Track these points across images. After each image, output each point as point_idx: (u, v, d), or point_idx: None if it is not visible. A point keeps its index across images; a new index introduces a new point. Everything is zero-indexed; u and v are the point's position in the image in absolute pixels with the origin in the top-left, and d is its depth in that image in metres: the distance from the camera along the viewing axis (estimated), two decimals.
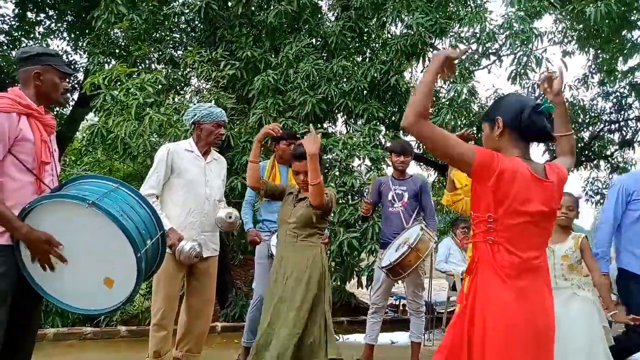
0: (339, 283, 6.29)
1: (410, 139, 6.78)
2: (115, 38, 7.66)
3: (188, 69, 6.84)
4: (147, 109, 5.69)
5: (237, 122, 6.46)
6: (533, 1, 7.24)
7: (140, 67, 7.00)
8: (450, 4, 7.74)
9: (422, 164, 10.67)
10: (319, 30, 7.45)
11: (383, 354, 4.81)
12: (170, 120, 5.67)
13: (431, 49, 7.96)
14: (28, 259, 2.32)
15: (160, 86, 6.21)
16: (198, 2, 6.85)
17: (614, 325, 4.05)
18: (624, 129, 10.57)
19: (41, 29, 10.71)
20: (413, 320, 4.48)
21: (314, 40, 7.51)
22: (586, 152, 10.76)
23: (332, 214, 4.81)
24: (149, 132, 5.63)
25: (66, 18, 10.56)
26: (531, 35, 7.08)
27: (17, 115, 2.32)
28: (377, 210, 4.62)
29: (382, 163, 6.32)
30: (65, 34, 10.77)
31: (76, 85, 10.01)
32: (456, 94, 6.65)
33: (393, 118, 7.51)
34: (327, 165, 5.98)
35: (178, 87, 7.39)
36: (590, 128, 10.71)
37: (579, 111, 9.96)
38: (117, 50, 7.63)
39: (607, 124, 10.71)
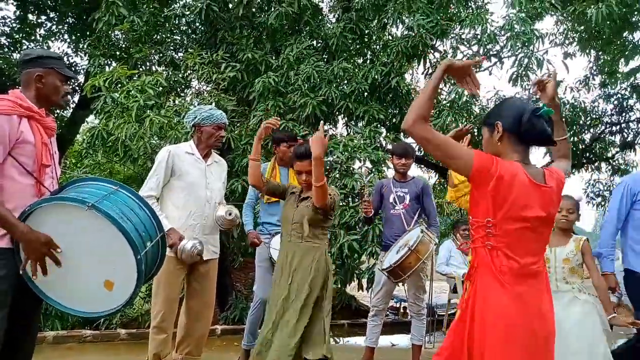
0: (339, 286, 6.27)
1: (411, 141, 6.78)
2: (116, 40, 7.67)
3: (189, 71, 6.85)
4: (148, 111, 5.69)
5: (238, 125, 6.46)
6: (534, 3, 7.23)
7: (140, 69, 7.01)
8: (451, 5, 7.74)
9: (422, 166, 10.67)
10: (320, 32, 7.45)
11: (383, 356, 4.80)
12: (170, 123, 5.67)
13: (432, 51, 7.97)
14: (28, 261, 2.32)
15: (160, 88, 6.21)
16: (199, 4, 6.86)
17: (615, 329, 4.03)
18: (625, 130, 10.56)
19: (42, 31, 10.74)
20: (414, 323, 4.47)
21: (314, 42, 7.52)
22: (587, 154, 10.75)
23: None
24: (150, 134, 5.63)
25: (67, 20, 10.58)
26: (532, 37, 7.08)
27: (18, 118, 2.31)
28: (380, 212, 4.61)
29: (382, 165, 6.32)
30: (66, 36, 10.80)
31: (77, 88, 10.01)
32: (457, 96, 6.66)
33: (394, 120, 7.51)
34: (327, 167, 5.98)
35: (179, 90, 7.40)
36: (592, 130, 10.70)
37: (580, 113, 9.93)
38: (117, 53, 7.64)
39: (608, 126, 10.70)
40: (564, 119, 8.61)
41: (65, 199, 2.29)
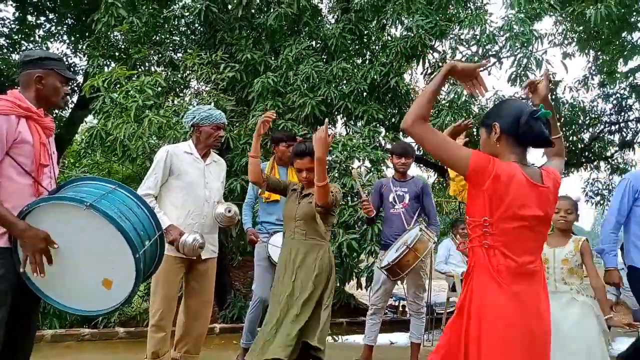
0: (338, 284, 6.29)
1: (410, 140, 6.79)
2: (115, 41, 7.68)
3: (188, 72, 6.87)
4: (147, 111, 5.70)
5: (237, 124, 6.47)
6: (533, 3, 7.24)
7: (139, 70, 7.02)
8: (450, 6, 7.75)
9: (422, 165, 10.69)
10: (319, 32, 7.46)
11: (382, 354, 4.80)
12: (169, 123, 5.68)
13: (431, 51, 7.98)
14: (26, 260, 2.32)
15: (159, 89, 6.22)
16: (198, 5, 6.87)
17: (613, 329, 4.04)
18: (624, 130, 10.57)
19: (41, 32, 10.75)
20: (413, 321, 4.48)
21: (313, 43, 7.53)
22: (586, 153, 10.76)
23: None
24: (148, 134, 5.64)
25: (66, 21, 10.59)
26: (531, 37, 7.08)
27: (16, 118, 2.32)
28: (380, 211, 4.62)
29: (381, 164, 6.33)
30: (65, 37, 10.81)
31: (76, 88, 10.03)
32: (456, 96, 6.67)
33: (393, 120, 7.52)
34: (327, 167, 5.98)
35: (177, 90, 7.41)
36: (591, 129, 10.71)
37: (579, 112, 9.94)
38: (116, 53, 7.65)
39: (607, 125, 10.71)
40: (563, 119, 8.59)
41: (64, 198, 2.30)
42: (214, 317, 5.97)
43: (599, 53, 10.17)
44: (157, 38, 7.62)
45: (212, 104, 5.99)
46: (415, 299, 4.43)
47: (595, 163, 10.96)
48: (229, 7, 7.46)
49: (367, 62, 7.85)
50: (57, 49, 11.13)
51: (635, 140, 10.48)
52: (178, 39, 8.04)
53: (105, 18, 6.89)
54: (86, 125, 8.92)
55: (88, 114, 9.66)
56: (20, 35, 10.42)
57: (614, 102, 10.45)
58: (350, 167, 6.19)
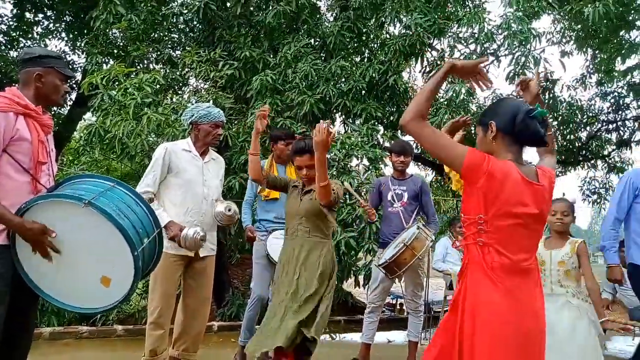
0: (336, 282, 6.29)
1: (409, 138, 6.79)
2: (114, 38, 7.66)
3: (186, 69, 6.86)
4: (145, 108, 5.69)
5: (236, 122, 6.46)
6: (531, 1, 7.25)
7: (138, 67, 7.01)
8: (449, 4, 7.75)
9: (420, 163, 10.69)
10: (318, 30, 7.46)
11: (380, 353, 4.81)
12: (168, 120, 5.67)
13: (429, 49, 7.98)
14: (24, 258, 2.33)
15: (158, 86, 6.22)
16: (197, 3, 6.86)
17: (608, 332, 4.05)
18: (622, 129, 10.57)
19: (39, 29, 10.70)
20: (411, 320, 4.49)
21: (312, 41, 7.52)
22: (583, 151, 10.77)
23: None
24: (147, 132, 5.63)
25: (64, 18, 10.55)
26: (529, 36, 7.09)
27: (15, 115, 2.32)
28: (379, 209, 4.63)
29: (380, 163, 6.33)
30: (63, 34, 10.76)
31: (74, 85, 10.01)
32: (454, 94, 6.67)
33: (391, 118, 7.52)
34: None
35: (176, 87, 7.40)
36: (588, 128, 10.72)
37: (577, 111, 9.97)
38: (115, 51, 7.64)
39: (604, 124, 10.72)
40: (560, 117, 8.59)
41: (62, 195, 2.30)
42: (212, 315, 5.99)
43: (596, 51, 10.17)
44: (156, 35, 7.60)
45: (211, 101, 5.99)
46: (413, 297, 4.45)
47: (592, 162, 10.96)
48: (228, 4, 7.44)
49: (365, 60, 7.85)
50: (56, 46, 11.18)
51: (632, 139, 10.49)
52: (177, 36, 8.03)
53: (104, 15, 6.88)
54: (85, 123, 8.92)
55: (86, 111, 9.65)
56: (18, 33, 10.37)
57: (612, 100, 10.46)
58: (349, 166, 6.19)
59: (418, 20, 6.74)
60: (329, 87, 6.59)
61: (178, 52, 7.59)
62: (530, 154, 2.17)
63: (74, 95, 10.35)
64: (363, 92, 6.98)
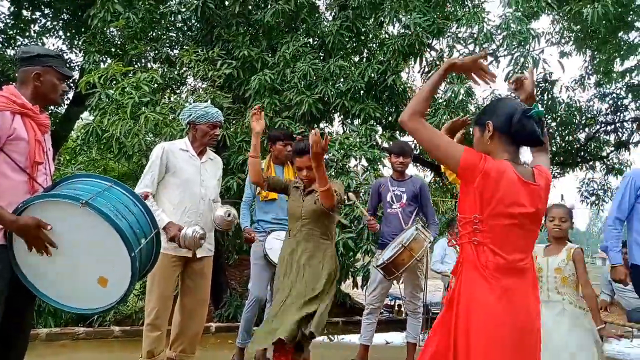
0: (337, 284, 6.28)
1: (408, 139, 6.78)
2: (111, 37, 7.64)
3: (184, 68, 6.83)
4: (143, 108, 5.67)
5: (234, 122, 6.44)
6: (530, 2, 7.25)
7: (136, 66, 6.98)
8: (448, 4, 7.74)
9: (418, 164, 10.69)
10: (316, 29, 7.43)
11: (378, 354, 4.80)
12: (165, 120, 5.65)
13: (428, 49, 7.97)
14: (22, 258, 2.31)
15: (156, 85, 6.19)
16: (195, 1, 6.83)
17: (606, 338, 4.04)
18: (620, 130, 10.57)
19: (37, 28, 10.65)
20: (410, 321, 4.48)
21: (311, 40, 7.51)
22: (582, 153, 10.78)
23: None
24: (144, 131, 5.60)
25: (62, 16, 10.51)
26: (528, 36, 7.09)
27: (11, 114, 2.31)
28: (380, 208, 4.62)
29: (378, 163, 6.32)
30: (60, 33, 10.72)
31: (71, 84, 9.97)
32: (453, 95, 6.66)
33: (390, 118, 7.51)
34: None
35: (174, 86, 7.38)
36: (587, 129, 10.72)
37: (575, 112, 9.97)
38: (113, 49, 7.61)
39: (603, 125, 10.72)
40: (559, 118, 8.58)
41: (59, 195, 2.28)
42: (210, 316, 5.96)
43: (595, 52, 10.18)
44: (154, 34, 7.58)
45: (209, 101, 5.97)
46: (412, 298, 4.44)
47: (590, 163, 10.97)
48: (226, 3, 7.42)
49: (364, 60, 7.84)
50: (53, 44, 11.08)
51: (630, 141, 10.50)
52: (174, 35, 7.99)
53: (101, 13, 6.85)
54: (82, 122, 8.87)
55: (84, 110, 9.61)
56: (15, 31, 10.32)
57: (610, 102, 10.46)
58: (347, 166, 6.17)
59: (417, 20, 6.73)
60: (328, 87, 6.57)
61: (176, 51, 7.57)
62: (523, 152, 2.17)
63: (71, 94, 10.31)
64: (362, 92, 6.96)
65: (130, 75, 6.15)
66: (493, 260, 1.94)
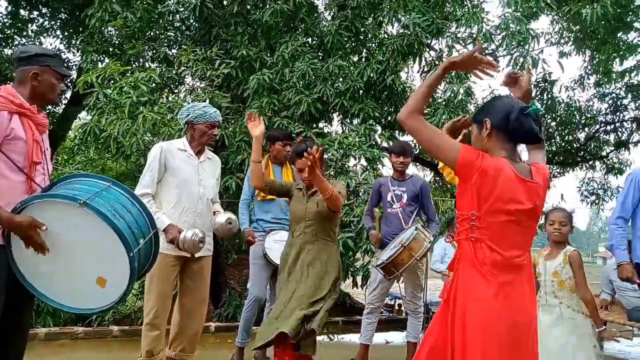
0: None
1: (408, 139, 6.77)
2: (109, 36, 7.62)
3: (182, 68, 6.82)
4: (141, 107, 5.65)
5: (232, 122, 6.43)
6: (530, 2, 7.24)
7: (134, 66, 6.96)
8: (447, 4, 7.73)
9: (418, 164, 10.68)
10: (315, 29, 7.42)
11: (378, 353, 4.79)
12: (164, 119, 5.64)
13: (427, 49, 7.96)
14: (20, 258, 2.30)
15: (154, 85, 6.18)
16: (193, 1, 6.82)
17: (607, 329, 4.03)
18: (620, 130, 10.56)
19: (34, 27, 10.62)
20: (410, 321, 4.47)
21: (309, 40, 7.50)
22: (582, 152, 10.78)
23: None
24: (143, 131, 5.59)
25: (60, 16, 10.49)
26: (527, 36, 7.08)
27: (9, 114, 2.30)
28: (380, 207, 4.61)
29: (378, 163, 6.31)
30: (58, 32, 10.69)
31: (69, 84, 9.94)
32: (452, 94, 6.66)
33: (389, 118, 7.50)
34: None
35: (172, 86, 7.37)
36: (586, 129, 10.72)
37: (575, 112, 9.97)
38: (110, 49, 7.59)
39: (602, 125, 10.71)
40: (558, 118, 8.56)
41: (56, 195, 2.27)
42: (209, 315, 5.95)
43: (594, 52, 10.18)
44: (152, 34, 7.56)
45: (207, 100, 5.95)
46: (412, 298, 4.43)
47: (590, 163, 10.98)
48: (224, 2, 7.41)
49: (363, 59, 7.83)
50: (51, 44, 11.01)
51: (630, 140, 10.50)
52: (173, 34, 7.98)
53: (99, 13, 6.83)
54: (80, 122, 8.85)
55: (82, 110, 9.58)
56: (12, 30, 10.29)
57: (610, 101, 10.46)
58: (347, 166, 6.16)
59: (416, 19, 6.72)
60: (327, 87, 6.55)
61: (174, 51, 7.55)
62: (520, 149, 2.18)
63: (69, 94, 10.29)
64: (361, 91, 6.95)
65: (128, 74, 6.14)
66: (490, 257, 1.95)
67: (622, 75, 10.25)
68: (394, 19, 7.17)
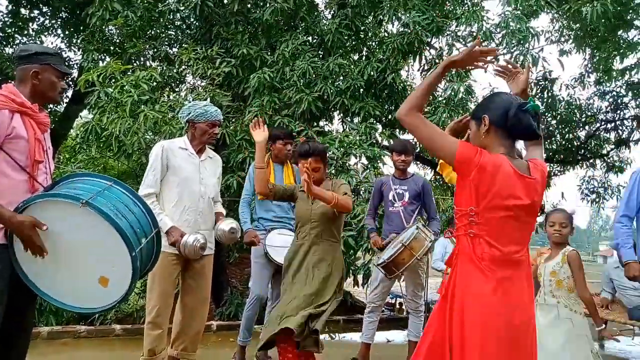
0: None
1: (408, 137, 6.77)
2: (110, 35, 7.62)
3: (183, 67, 6.81)
4: (142, 106, 5.65)
5: (233, 120, 6.43)
6: (529, 0, 7.23)
7: (135, 65, 6.96)
8: (447, 2, 7.73)
9: (418, 162, 10.68)
10: (316, 28, 7.42)
11: (379, 352, 4.80)
12: (165, 118, 5.64)
13: (428, 48, 7.96)
14: (22, 257, 2.31)
15: (155, 83, 6.17)
16: None
17: (609, 327, 4.03)
18: (620, 128, 10.56)
19: (35, 26, 10.62)
20: (412, 319, 4.48)
21: (310, 38, 7.49)
22: (582, 150, 10.77)
23: None
24: (144, 129, 5.59)
25: (60, 15, 10.48)
26: (528, 35, 7.08)
27: (10, 113, 2.30)
28: (380, 207, 4.62)
29: (378, 161, 6.31)
30: (59, 31, 10.69)
31: (70, 82, 9.94)
32: (453, 93, 6.66)
33: (389, 116, 7.50)
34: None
35: (173, 85, 7.36)
36: (587, 127, 10.72)
37: (576, 110, 9.96)
38: (111, 48, 7.59)
39: (603, 123, 10.71)
40: (559, 116, 8.56)
41: (58, 195, 2.28)
42: (211, 314, 5.95)
43: (595, 51, 10.16)
44: (152, 32, 7.56)
45: (208, 99, 5.95)
46: (413, 297, 4.44)
47: (591, 161, 10.97)
48: (225, 1, 7.40)
49: (363, 58, 7.82)
50: (52, 42, 11.01)
51: (630, 138, 10.49)
52: (173, 33, 7.97)
53: (100, 12, 6.83)
54: (81, 120, 8.86)
55: (83, 108, 9.59)
56: (13, 29, 10.29)
57: (610, 100, 10.45)
58: (347, 164, 6.16)
59: (416, 18, 6.71)
60: (327, 85, 6.55)
61: (175, 49, 7.54)
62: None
63: (70, 93, 10.29)
64: (361, 90, 6.94)
65: (129, 73, 6.13)
66: (489, 252, 1.96)
67: (623, 73, 10.24)
68: (394, 17, 7.16)
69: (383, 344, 5.53)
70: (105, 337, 5.29)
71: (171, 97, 6.91)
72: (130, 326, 5.59)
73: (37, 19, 10.61)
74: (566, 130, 10.26)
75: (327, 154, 3.66)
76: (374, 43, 8.11)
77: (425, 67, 8.17)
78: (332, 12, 8.11)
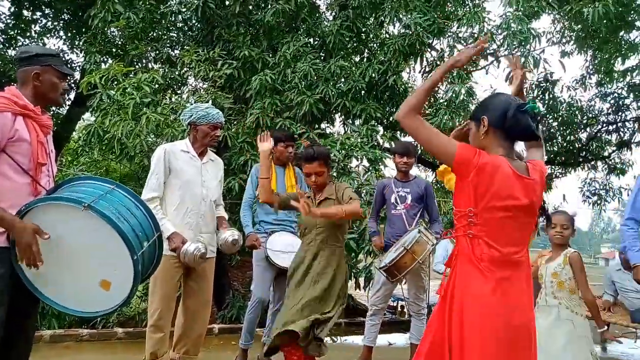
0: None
1: (409, 139, 6.76)
2: (112, 37, 7.62)
3: (185, 69, 6.81)
4: (144, 108, 5.66)
5: (235, 122, 6.43)
6: (531, 1, 7.22)
7: (137, 67, 6.97)
8: (448, 3, 7.73)
9: (420, 165, 10.67)
10: (317, 29, 7.42)
11: (381, 355, 4.80)
12: (167, 120, 5.64)
13: (429, 49, 7.96)
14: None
15: (157, 86, 6.18)
16: (195, 1, 6.81)
17: (611, 330, 4.02)
18: (622, 129, 10.54)
19: (37, 28, 10.66)
20: (414, 323, 4.46)
21: (311, 40, 7.49)
22: (583, 152, 10.76)
23: None
24: (146, 132, 5.60)
25: (62, 16, 10.51)
26: (529, 36, 7.06)
27: (13, 116, 2.30)
28: (382, 210, 4.61)
29: (380, 164, 6.30)
30: (61, 33, 10.72)
31: (73, 85, 9.96)
32: (454, 95, 6.65)
33: (391, 118, 7.49)
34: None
35: (175, 87, 7.36)
36: (588, 129, 10.71)
37: (577, 112, 9.95)
38: (113, 50, 7.60)
39: (604, 125, 10.69)
40: (560, 118, 8.57)
41: (61, 198, 2.28)
42: (213, 317, 5.95)
43: (596, 52, 10.15)
44: (154, 34, 7.56)
45: (210, 101, 5.95)
46: (416, 300, 4.42)
47: (592, 163, 10.95)
48: (227, 3, 7.40)
49: (365, 60, 7.82)
50: (54, 45, 11.09)
51: (632, 140, 10.47)
52: (175, 35, 7.98)
53: (102, 14, 6.84)
54: (83, 123, 8.86)
55: (85, 111, 9.60)
56: (16, 31, 10.33)
57: (612, 101, 10.44)
58: (349, 166, 6.16)
59: (417, 19, 6.71)
60: (329, 87, 6.55)
61: (177, 51, 7.55)
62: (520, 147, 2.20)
63: (72, 95, 10.31)
64: (362, 92, 6.95)
65: (131, 75, 6.14)
66: (488, 253, 1.96)
67: (624, 75, 10.23)
68: (395, 19, 7.16)
69: (385, 347, 5.52)
70: (108, 341, 5.29)
71: (173, 100, 6.92)
72: (133, 329, 5.59)
73: (39, 21, 10.65)
74: (567, 132, 10.25)
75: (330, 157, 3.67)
76: (375, 45, 8.11)
77: (427, 69, 8.17)
78: (333, 13, 8.11)
